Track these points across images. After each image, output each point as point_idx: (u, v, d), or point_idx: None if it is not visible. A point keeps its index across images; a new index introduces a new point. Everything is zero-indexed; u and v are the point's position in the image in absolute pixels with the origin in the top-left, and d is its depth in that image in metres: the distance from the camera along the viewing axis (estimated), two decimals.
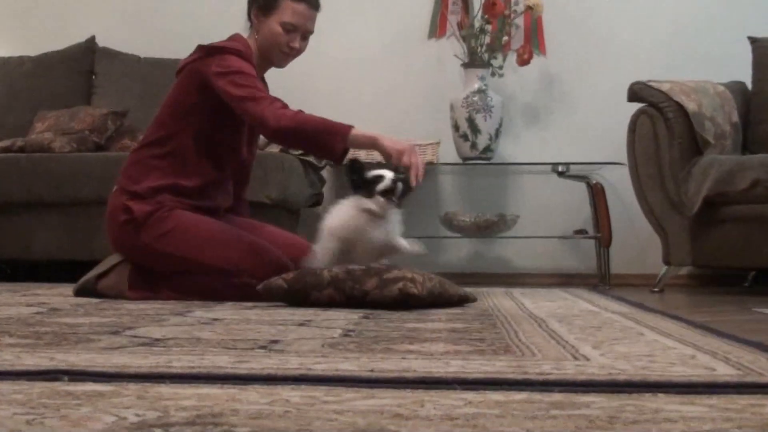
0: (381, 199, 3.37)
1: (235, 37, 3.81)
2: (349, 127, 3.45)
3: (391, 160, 3.45)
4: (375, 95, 5.96)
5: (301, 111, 3.51)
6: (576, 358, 1.84)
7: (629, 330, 2.48)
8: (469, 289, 3.51)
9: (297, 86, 5.45)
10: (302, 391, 1.43)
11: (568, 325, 2.61)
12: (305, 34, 3.82)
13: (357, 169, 3.44)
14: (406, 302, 3.09)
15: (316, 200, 5.30)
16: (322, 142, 3.46)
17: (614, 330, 2.48)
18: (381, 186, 3.37)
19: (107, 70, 5.93)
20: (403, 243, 3.46)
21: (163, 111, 3.81)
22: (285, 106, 3.52)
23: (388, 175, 3.39)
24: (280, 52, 3.81)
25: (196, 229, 3.65)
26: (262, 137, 4.18)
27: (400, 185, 3.38)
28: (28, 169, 4.95)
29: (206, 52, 3.71)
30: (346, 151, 3.48)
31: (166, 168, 3.74)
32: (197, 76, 3.69)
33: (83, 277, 3.80)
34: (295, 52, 3.83)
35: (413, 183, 3.38)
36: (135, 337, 2.19)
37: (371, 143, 3.48)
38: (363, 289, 3.15)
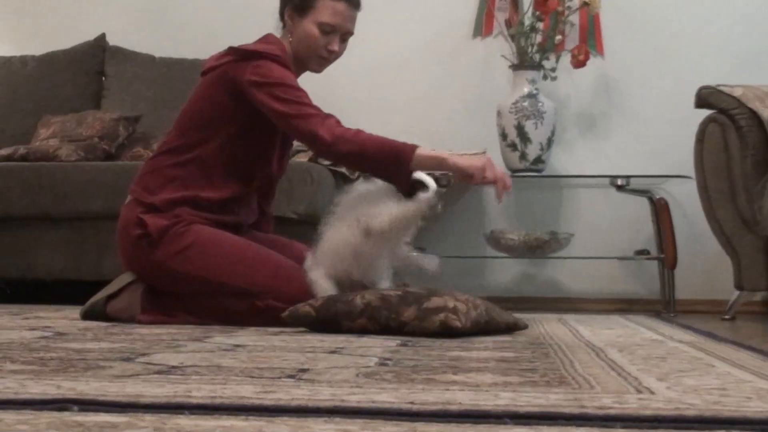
0: None
1: (268, 39, 3.80)
2: (414, 149, 3.45)
3: (470, 181, 3.46)
4: (412, 100, 5.96)
5: (360, 131, 3.52)
6: (639, 391, 1.83)
7: (698, 361, 2.47)
8: (518, 316, 3.51)
9: (325, 90, 5.47)
10: (336, 424, 1.43)
11: (629, 354, 2.61)
12: (345, 36, 3.82)
13: None
14: (448, 335, 3.09)
15: None
16: (384, 168, 3.48)
17: (681, 361, 2.47)
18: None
19: (118, 71, 5.96)
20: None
21: (184, 117, 3.82)
22: (339, 122, 3.54)
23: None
24: (317, 56, 3.80)
25: (216, 246, 3.66)
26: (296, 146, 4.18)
27: None
28: (32, 179, 4.98)
29: (241, 55, 3.70)
30: (410, 176, 3.47)
31: (186, 179, 3.74)
32: (228, 82, 3.69)
33: (91, 299, 3.82)
34: (334, 56, 3.83)
35: (500, 200, 3.41)
36: (149, 364, 2.20)
37: (438, 164, 3.46)
38: (400, 320, 3.16)
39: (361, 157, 3.49)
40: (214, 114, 3.73)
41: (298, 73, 3.87)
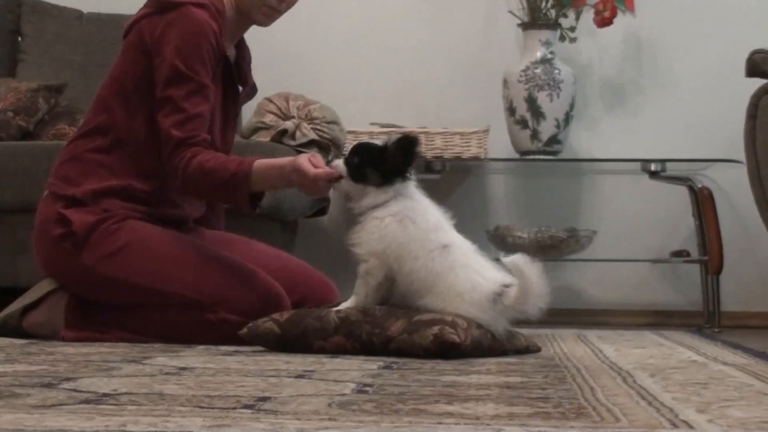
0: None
1: None
2: (249, 167, 3.53)
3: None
4: (400, 66, 5.96)
5: (200, 154, 3.57)
6: (674, 425, 1.85)
7: (747, 388, 2.48)
8: (527, 333, 3.52)
9: (290, 55, 5.46)
10: None
11: (663, 380, 2.62)
12: None
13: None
14: (443, 353, 3.10)
15: (321, 208, 5.28)
16: (225, 195, 3.66)
17: (726, 388, 2.48)
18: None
19: (38, 30, 5.94)
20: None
21: (105, 88, 3.81)
22: (182, 143, 3.58)
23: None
24: (264, 6, 3.77)
25: (156, 247, 3.66)
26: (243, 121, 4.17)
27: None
28: None
29: (156, 6, 3.70)
30: (256, 196, 3.62)
31: (113, 165, 3.73)
32: (143, 42, 3.69)
33: (4, 311, 3.82)
34: (284, 7, 3.81)
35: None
36: (75, 391, 2.21)
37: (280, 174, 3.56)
38: (385, 335, 3.16)
39: (201, 187, 3.63)
40: (135, 81, 3.72)
41: (241, 28, 3.87)
